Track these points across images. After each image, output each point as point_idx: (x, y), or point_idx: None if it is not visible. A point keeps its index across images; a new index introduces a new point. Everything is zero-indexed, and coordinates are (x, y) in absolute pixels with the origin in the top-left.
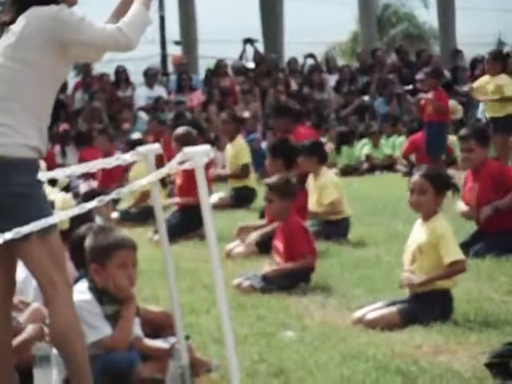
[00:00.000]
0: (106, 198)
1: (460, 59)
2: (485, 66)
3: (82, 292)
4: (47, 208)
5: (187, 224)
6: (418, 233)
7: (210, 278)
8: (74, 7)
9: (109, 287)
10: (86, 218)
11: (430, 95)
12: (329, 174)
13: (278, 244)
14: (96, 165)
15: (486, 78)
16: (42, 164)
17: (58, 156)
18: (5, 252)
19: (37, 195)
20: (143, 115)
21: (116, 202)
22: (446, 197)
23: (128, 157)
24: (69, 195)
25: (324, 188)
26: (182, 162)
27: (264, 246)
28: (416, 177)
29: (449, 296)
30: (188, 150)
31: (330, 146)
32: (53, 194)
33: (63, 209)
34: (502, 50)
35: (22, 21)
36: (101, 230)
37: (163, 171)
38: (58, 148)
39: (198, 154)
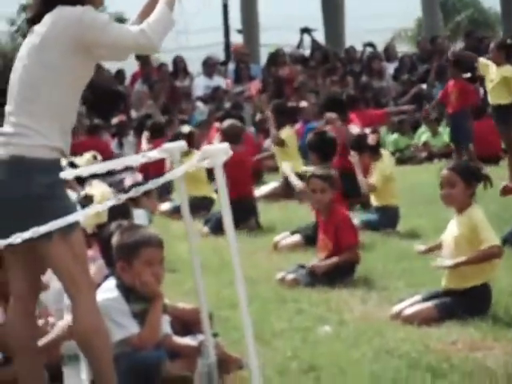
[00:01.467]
0: (133, 192)
1: None
2: None
3: (109, 290)
4: (70, 208)
5: (237, 216)
6: (454, 226)
7: (254, 272)
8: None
9: (136, 285)
10: (123, 211)
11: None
12: (382, 164)
13: (323, 237)
14: (120, 163)
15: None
16: (98, 156)
17: (115, 147)
18: (30, 253)
19: (59, 196)
20: (201, 105)
21: (169, 192)
22: (476, 188)
23: (154, 154)
24: (109, 189)
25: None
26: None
27: (310, 239)
28: (445, 171)
29: (488, 289)
30: (207, 148)
31: (373, 138)
32: (95, 188)
33: (101, 203)
34: (506, 40)
35: (46, 21)
36: (127, 227)
37: (182, 169)
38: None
39: (217, 153)
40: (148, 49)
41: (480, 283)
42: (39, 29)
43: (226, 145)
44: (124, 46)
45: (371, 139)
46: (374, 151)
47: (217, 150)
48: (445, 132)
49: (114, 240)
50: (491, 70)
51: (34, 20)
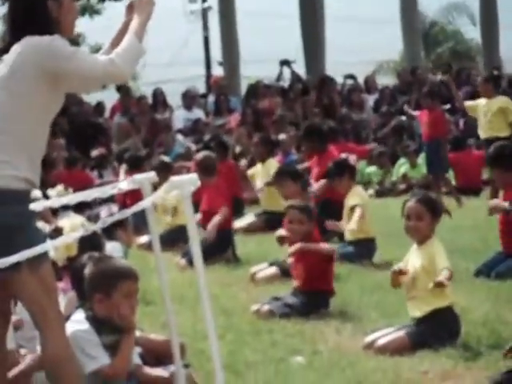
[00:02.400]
0: (106, 221)
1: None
2: None
3: (79, 322)
4: (38, 238)
5: (214, 247)
6: (414, 258)
7: (230, 303)
8: None
9: (112, 316)
10: (94, 243)
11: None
12: (360, 193)
13: (297, 265)
14: (92, 194)
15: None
16: (70, 188)
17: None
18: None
19: (28, 226)
20: (180, 138)
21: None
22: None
23: (124, 185)
24: (79, 221)
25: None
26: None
27: (287, 271)
28: (412, 202)
29: (453, 314)
30: (175, 179)
31: (354, 158)
32: (65, 221)
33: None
34: (492, 72)
35: (14, 51)
36: (99, 259)
37: (150, 200)
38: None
39: (184, 183)
40: (117, 78)
41: (443, 306)
42: (7, 58)
43: (193, 175)
44: (93, 75)
45: (352, 160)
46: (354, 173)
47: (184, 181)
48: (424, 164)
49: (88, 271)
50: (480, 106)
51: (5, 50)
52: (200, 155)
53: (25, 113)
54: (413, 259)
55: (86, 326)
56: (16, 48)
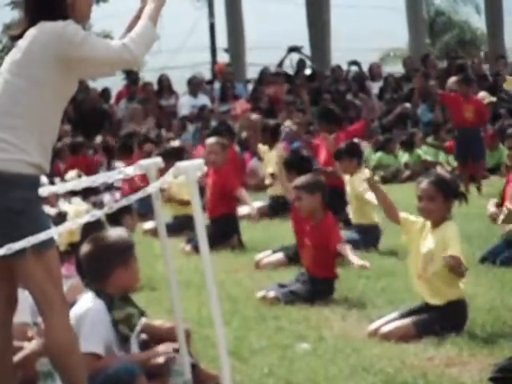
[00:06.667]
0: (107, 208)
1: (502, 65)
2: None
3: (91, 301)
4: (45, 224)
5: (219, 234)
6: (428, 239)
7: (235, 290)
8: None
9: (130, 285)
10: (98, 229)
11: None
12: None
13: (307, 244)
14: (97, 179)
15: None
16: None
17: (104, 168)
18: (4, 268)
19: (34, 211)
20: (187, 124)
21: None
22: (453, 204)
23: (130, 170)
24: (84, 207)
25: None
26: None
27: (292, 258)
28: (424, 183)
29: (464, 304)
30: (181, 164)
31: (364, 145)
32: (70, 206)
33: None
34: None
35: (28, 36)
36: (96, 238)
37: (156, 185)
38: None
39: (190, 169)
40: (130, 63)
41: (456, 298)
42: (21, 43)
43: (200, 160)
44: (105, 60)
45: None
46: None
47: (190, 166)
48: (427, 151)
49: (93, 251)
50: None
51: (19, 36)
52: (210, 140)
53: (38, 98)
54: (426, 241)
55: (97, 301)
56: (30, 33)
